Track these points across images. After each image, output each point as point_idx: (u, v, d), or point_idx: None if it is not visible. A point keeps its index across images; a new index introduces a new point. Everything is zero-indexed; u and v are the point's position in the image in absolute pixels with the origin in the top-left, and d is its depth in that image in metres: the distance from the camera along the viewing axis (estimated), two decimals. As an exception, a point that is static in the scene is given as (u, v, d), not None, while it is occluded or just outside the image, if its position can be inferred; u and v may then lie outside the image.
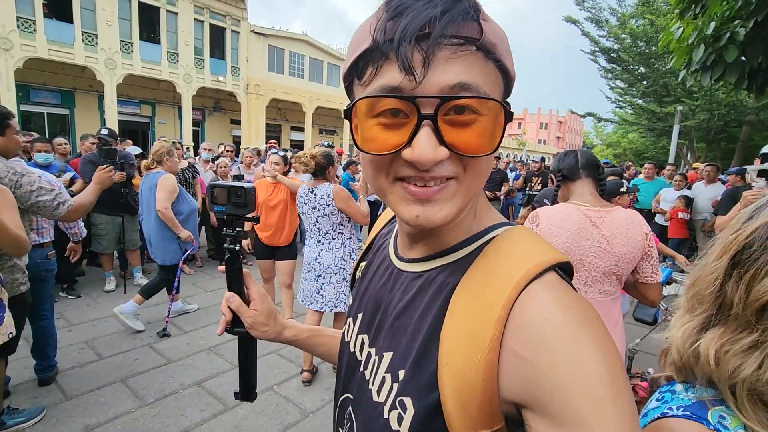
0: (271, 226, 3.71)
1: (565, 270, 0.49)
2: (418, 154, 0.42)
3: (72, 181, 4.30)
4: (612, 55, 16.92)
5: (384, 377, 0.53)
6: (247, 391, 0.86)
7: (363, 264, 0.73)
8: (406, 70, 0.41)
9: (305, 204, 3.08)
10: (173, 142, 5.29)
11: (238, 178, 4.22)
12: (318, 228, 3.08)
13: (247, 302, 0.80)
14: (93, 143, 5.13)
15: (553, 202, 1.78)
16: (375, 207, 6.71)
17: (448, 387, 0.44)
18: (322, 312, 3.14)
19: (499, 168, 8.69)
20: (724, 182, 7.59)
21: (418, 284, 0.54)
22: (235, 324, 0.80)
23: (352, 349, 0.63)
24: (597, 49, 17.27)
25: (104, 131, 4.56)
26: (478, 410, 0.43)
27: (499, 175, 8.03)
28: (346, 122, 0.49)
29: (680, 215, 6.05)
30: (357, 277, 0.74)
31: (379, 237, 0.73)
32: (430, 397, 0.46)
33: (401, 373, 0.50)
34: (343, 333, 0.69)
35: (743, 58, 3.78)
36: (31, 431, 2.44)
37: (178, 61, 18.34)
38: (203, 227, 6.36)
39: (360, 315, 0.64)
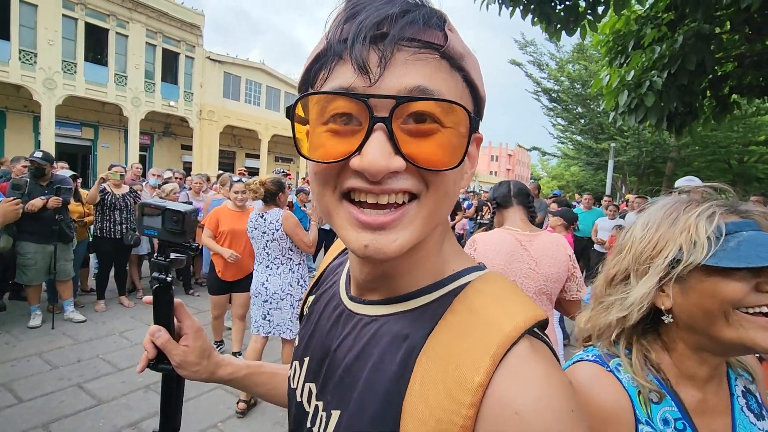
0: (239, 257, 3.51)
1: (543, 328, 0.44)
2: (368, 162, 0.37)
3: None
4: (553, 95, 18.35)
5: None
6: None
7: (311, 298, 0.65)
8: (360, 69, 0.37)
9: (255, 228, 3.08)
10: (113, 166, 5.06)
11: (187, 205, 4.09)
12: (267, 252, 3.08)
13: (176, 337, 0.72)
14: (25, 166, 4.80)
15: (489, 227, 1.90)
16: (330, 234, 6.61)
17: None
18: (266, 338, 3.12)
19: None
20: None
21: (372, 331, 0.47)
22: (160, 360, 0.71)
23: (299, 399, 0.56)
24: (540, 89, 18.67)
25: (38, 154, 4.28)
26: None
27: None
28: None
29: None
30: (305, 314, 0.66)
31: (330, 270, 0.65)
32: None
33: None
34: (290, 378, 0.62)
35: (662, 103, 4.26)
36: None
37: (126, 83, 17.69)
38: (147, 257, 6.02)
39: (306, 360, 0.57)
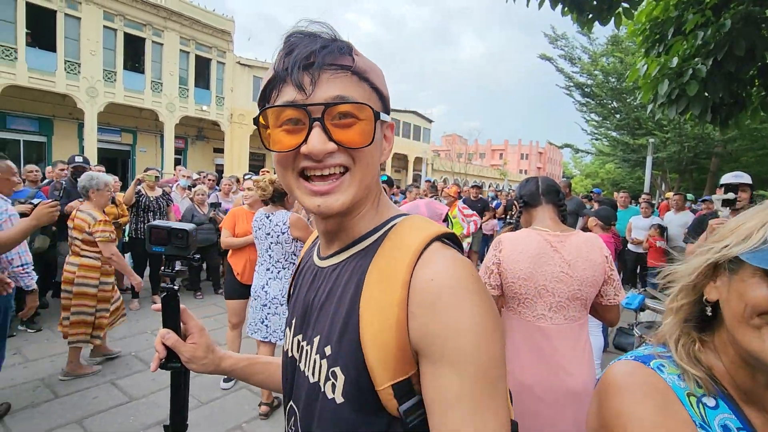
0: (254, 261, 3.32)
1: (451, 239, 0.61)
2: (311, 147, 0.55)
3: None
4: (586, 89, 17.68)
5: (315, 359, 0.62)
6: (181, 424, 0.85)
7: (292, 285, 0.82)
8: (298, 88, 0.55)
9: (259, 229, 2.98)
10: (149, 169, 5.22)
11: (216, 205, 4.16)
12: (269, 255, 2.98)
13: (183, 337, 0.82)
14: (62, 170, 5.02)
15: (516, 227, 1.78)
16: None
17: (369, 348, 0.54)
18: (270, 343, 3.01)
19: (481, 197, 8.82)
20: (694, 211, 7.83)
21: (336, 273, 0.64)
22: (169, 359, 0.80)
23: (290, 354, 0.71)
24: (571, 84, 18.04)
25: (78, 158, 4.47)
26: (395, 362, 0.53)
27: (480, 204, 8.12)
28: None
29: (658, 243, 6.18)
30: (291, 294, 0.82)
31: (306, 254, 0.82)
32: (355, 361, 0.55)
33: (327, 349, 0.59)
34: (283, 346, 0.76)
35: (706, 93, 3.97)
36: (-30, 481, 2.23)
37: (162, 90, 18.39)
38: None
39: (293, 320, 0.72)
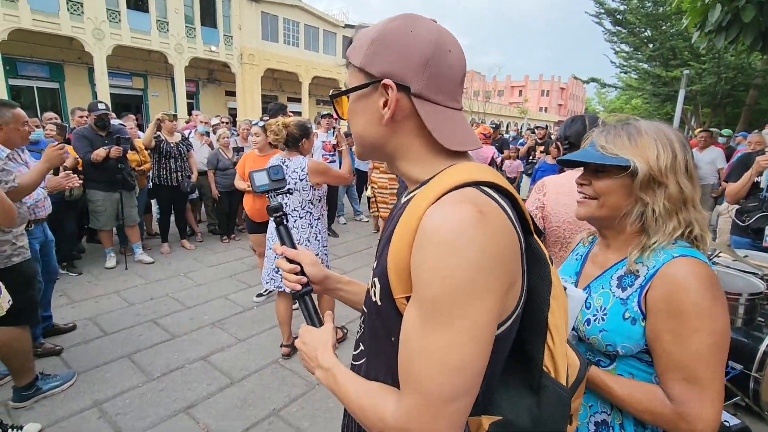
0: (257, 200, 3.77)
1: (492, 187, 0.64)
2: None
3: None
4: (618, 17, 16.33)
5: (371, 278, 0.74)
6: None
7: None
8: None
9: None
10: (171, 114, 5.14)
11: (239, 150, 4.12)
12: (285, 204, 2.91)
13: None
14: (81, 116, 4.98)
15: (560, 170, 1.70)
16: (363, 174, 7.23)
17: (391, 265, 0.64)
18: (285, 293, 3.00)
19: (501, 136, 8.71)
20: (730, 148, 7.47)
21: (402, 210, 0.71)
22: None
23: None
24: (602, 11, 16.65)
25: (101, 105, 4.40)
26: (405, 280, 0.62)
27: (498, 143, 7.92)
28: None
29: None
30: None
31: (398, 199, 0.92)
32: (384, 274, 0.66)
33: (374, 264, 0.72)
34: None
35: (760, 18, 3.60)
36: (40, 407, 2.46)
37: (168, 30, 17.71)
38: (203, 202, 6.29)
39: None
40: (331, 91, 0.69)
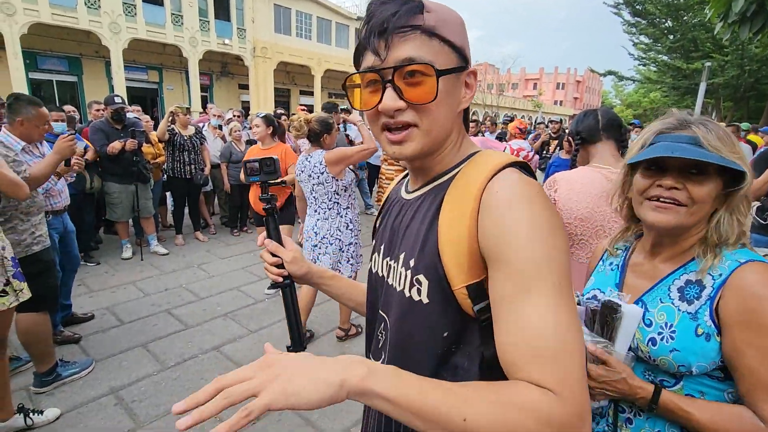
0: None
1: (522, 167, 0.68)
2: (383, 106, 0.64)
3: (84, 151, 4.28)
4: (637, 7, 15.92)
5: (401, 272, 0.72)
6: (299, 340, 0.93)
7: (380, 218, 0.91)
8: (375, 53, 0.63)
9: (302, 171, 2.98)
10: (185, 108, 5.20)
11: (251, 142, 4.15)
12: (314, 197, 3.00)
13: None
14: (98, 110, 5.07)
15: (572, 166, 1.67)
16: (375, 169, 7.23)
17: (446, 255, 0.63)
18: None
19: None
20: (751, 143, 7.26)
21: (420, 202, 0.74)
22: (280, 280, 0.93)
23: (379, 274, 0.81)
24: (621, 1, 16.24)
25: (118, 99, 4.48)
26: (468, 267, 0.61)
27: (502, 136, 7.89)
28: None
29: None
30: (377, 228, 0.92)
31: (393, 192, 0.90)
32: (435, 267, 0.64)
33: (411, 262, 0.69)
34: (370, 268, 0.87)
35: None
36: (60, 393, 2.54)
37: (182, 23, 17.84)
38: (216, 195, 6.37)
39: (382, 246, 0.82)
40: (436, 65, 0.61)
